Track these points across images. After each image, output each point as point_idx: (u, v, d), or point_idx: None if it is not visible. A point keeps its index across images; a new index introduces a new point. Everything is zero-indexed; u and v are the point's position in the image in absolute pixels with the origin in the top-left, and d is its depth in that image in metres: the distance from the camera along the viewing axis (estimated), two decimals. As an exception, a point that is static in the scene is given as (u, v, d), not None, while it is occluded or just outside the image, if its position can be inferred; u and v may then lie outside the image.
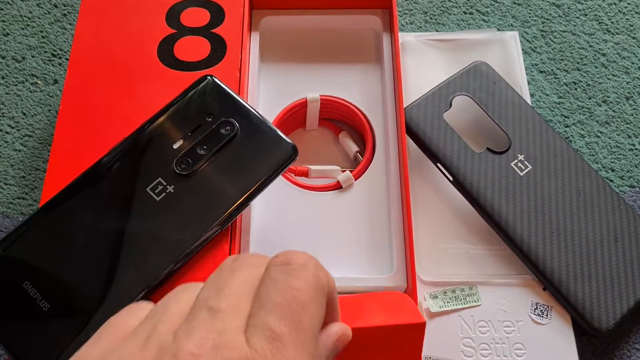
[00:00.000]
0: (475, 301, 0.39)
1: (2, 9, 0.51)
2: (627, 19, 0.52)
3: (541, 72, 0.50)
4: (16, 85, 0.48)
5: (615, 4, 0.53)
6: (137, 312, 0.21)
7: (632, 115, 0.48)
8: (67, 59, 0.49)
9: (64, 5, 0.51)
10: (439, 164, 0.42)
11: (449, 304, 0.39)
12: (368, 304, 0.33)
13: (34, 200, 0.44)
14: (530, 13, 0.52)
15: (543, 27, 0.52)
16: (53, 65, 0.49)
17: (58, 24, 0.51)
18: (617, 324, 0.38)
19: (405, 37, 0.48)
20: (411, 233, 0.36)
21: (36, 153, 0.45)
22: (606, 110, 0.48)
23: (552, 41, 0.51)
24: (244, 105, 0.37)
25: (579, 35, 0.51)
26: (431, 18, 0.52)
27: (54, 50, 0.50)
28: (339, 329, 0.22)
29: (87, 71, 0.41)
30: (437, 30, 0.52)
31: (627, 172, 0.46)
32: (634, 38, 0.51)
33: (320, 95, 0.43)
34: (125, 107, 0.39)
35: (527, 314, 0.38)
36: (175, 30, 0.42)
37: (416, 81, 0.46)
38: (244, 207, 0.35)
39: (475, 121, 0.44)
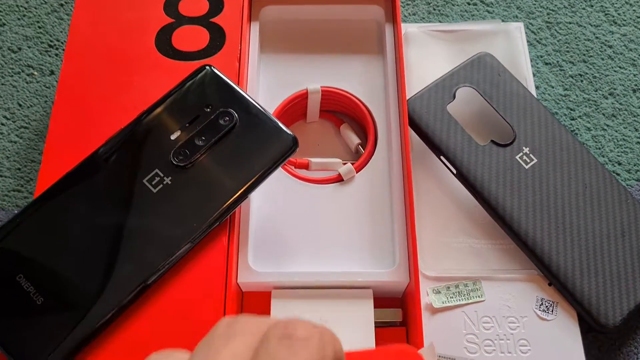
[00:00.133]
0: (479, 297, 0.38)
1: (-2, -1, 0.50)
2: (634, 10, 0.51)
3: (546, 64, 0.49)
4: (12, 76, 0.47)
5: (622, -5, 0.52)
6: None
7: (639, 108, 0.47)
8: (64, 50, 0.48)
9: (61, -5, 0.51)
10: (442, 157, 0.41)
11: (452, 299, 0.38)
12: None
13: (29, 192, 0.43)
14: (535, 4, 0.51)
15: (548, 18, 0.51)
16: (49, 56, 0.48)
17: (55, 14, 0.50)
18: (624, 320, 0.37)
19: (408, 28, 0.47)
20: (414, 227, 0.36)
21: (32, 145, 0.45)
22: (613, 103, 0.47)
23: (558, 32, 0.50)
24: (243, 95, 0.36)
25: (585, 27, 0.50)
26: (434, 9, 0.51)
27: (51, 41, 0.49)
28: None
29: (83, 61, 0.40)
30: (440, 21, 0.51)
31: (634, 165, 0.45)
32: (641, 30, 0.50)
33: (321, 87, 0.42)
34: (122, 98, 0.39)
35: (532, 309, 0.38)
36: (173, 20, 0.41)
37: (419, 73, 0.45)
38: (243, 200, 0.34)
39: (480, 113, 0.43)
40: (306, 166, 0.41)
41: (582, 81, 0.48)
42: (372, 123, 0.42)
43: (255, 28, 0.43)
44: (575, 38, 0.50)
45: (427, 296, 0.38)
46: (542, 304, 0.38)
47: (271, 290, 0.36)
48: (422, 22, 0.50)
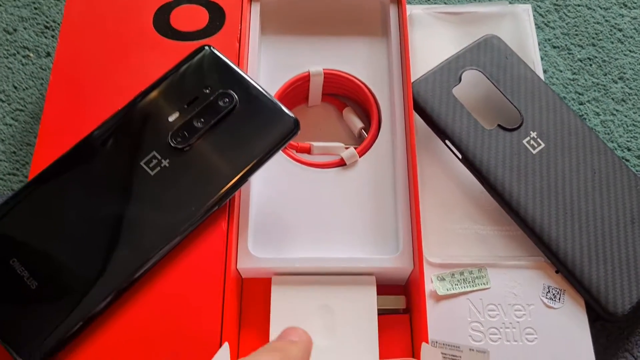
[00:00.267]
0: (484, 284, 0.37)
1: (-7, -21, 0.49)
2: (644, -8, 0.50)
3: (555, 47, 0.48)
4: (7, 57, 0.46)
5: (632, -23, 0.50)
6: None
7: (649, 92, 0.46)
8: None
9: (58, -24, 0.49)
10: (447, 141, 0.40)
11: (457, 286, 0.37)
12: None
13: (24, 176, 0.42)
14: (543, -14, 0.50)
15: (557, 0, 0.49)
16: (46, 38, 0.47)
17: (51, -5, 0.49)
18: (633, 308, 0.36)
19: (413, 10, 0.46)
20: (418, 212, 0.35)
21: (27, 128, 0.44)
22: (622, 88, 0.46)
23: (567, 15, 0.49)
24: (243, 76, 0.35)
25: (594, 10, 0.49)
26: (440, -9, 0.50)
27: (47, 22, 0.48)
28: None
29: (79, 42, 0.39)
30: (446, 3, 0.49)
31: (644, 151, 0.44)
32: (651, 13, 0.49)
33: (323, 69, 0.41)
34: (119, 79, 0.38)
35: (538, 297, 0.37)
36: (171, -1, 0.40)
37: (424, 55, 0.44)
38: (243, 183, 0.33)
39: (486, 97, 0.42)
40: (308, 150, 0.40)
41: (591, 65, 0.47)
42: (376, 107, 0.40)
43: (255, 8, 0.42)
44: (585, 21, 0.49)
45: (431, 283, 0.37)
46: (549, 291, 0.37)
47: (271, 277, 0.35)
48: (427, 4, 0.49)
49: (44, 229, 0.32)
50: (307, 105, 0.44)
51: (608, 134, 0.44)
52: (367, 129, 0.41)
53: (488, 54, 0.42)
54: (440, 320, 0.36)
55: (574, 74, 0.47)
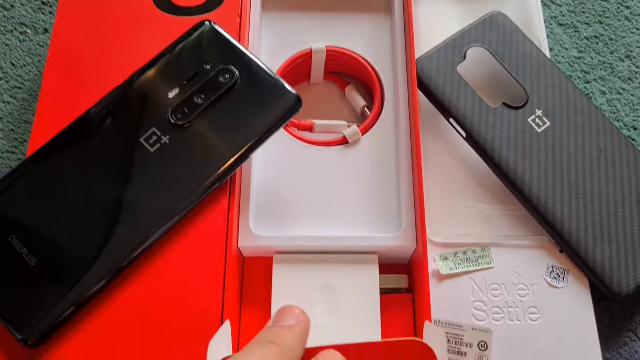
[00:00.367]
0: (487, 263, 0.37)
1: (-11, -46, 0.48)
2: (653, -31, 0.49)
3: (560, 24, 0.47)
4: (4, 34, 0.45)
5: (640, -47, 0.49)
6: None
7: (656, 71, 0.45)
8: (58, 7, 0.46)
9: (55, -49, 0.48)
10: (451, 119, 0.39)
11: (459, 265, 0.37)
12: None
13: (22, 154, 0.41)
14: (549, -38, 0.49)
15: (563, -23, 0.48)
16: (43, 14, 0.46)
17: (48, -30, 0.48)
18: (638, 288, 0.36)
19: (416, -14, 0.45)
20: (421, 191, 0.34)
21: (25, 105, 0.43)
22: (629, 66, 0.45)
23: (573, -8, 0.48)
24: (244, 52, 0.35)
25: (601, -13, 0.48)
26: (444, -33, 0.49)
27: (44, -2, 0.47)
28: None
29: (77, 17, 0.38)
30: (450, -20, 0.48)
31: (650, 131, 0.43)
32: (660, -10, 0.48)
33: (325, 46, 0.40)
34: (117, 55, 0.37)
35: (542, 277, 0.37)
36: (171, -27, 0.39)
37: (428, 32, 0.43)
38: (244, 160, 0.33)
39: (491, 74, 0.41)
40: (310, 128, 0.40)
41: (597, 43, 0.46)
42: (379, 84, 0.40)
43: (257, -17, 0.41)
44: (591, -2, 0.48)
45: (434, 262, 0.37)
46: (552, 271, 0.37)
47: (273, 255, 0.35)
48: (431, -19, 0.48)
49: (42, 206, 0.32)
50: (309, 82, 0.43)
51: (614, 112, 0.44)
52: (369, 107, 0.41)
53: (493, 31, 0.41)
54: (442, 300, 0.36)
55: (580, 52, 0.46)
